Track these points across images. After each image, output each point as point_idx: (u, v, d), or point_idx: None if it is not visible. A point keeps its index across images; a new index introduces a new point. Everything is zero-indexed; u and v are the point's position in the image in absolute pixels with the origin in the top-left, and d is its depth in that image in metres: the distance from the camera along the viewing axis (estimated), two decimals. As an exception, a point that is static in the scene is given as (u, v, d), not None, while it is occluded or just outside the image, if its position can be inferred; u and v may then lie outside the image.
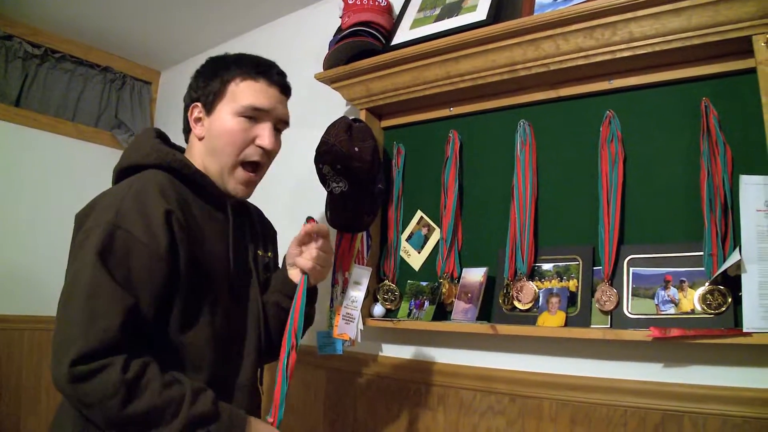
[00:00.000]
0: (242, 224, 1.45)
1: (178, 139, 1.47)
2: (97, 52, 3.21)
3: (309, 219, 1.37)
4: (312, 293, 1.41)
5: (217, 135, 1.33)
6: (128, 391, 1.04)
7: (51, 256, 2.86)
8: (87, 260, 1.09)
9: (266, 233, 1.55)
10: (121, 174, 1.31)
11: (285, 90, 1.41)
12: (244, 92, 1.34)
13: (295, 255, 1.37)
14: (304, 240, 1.37)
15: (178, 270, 1.18)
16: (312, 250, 1.35)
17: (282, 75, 1.41)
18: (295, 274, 1.38)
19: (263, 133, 1.35)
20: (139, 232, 1.14)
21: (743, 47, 1.43)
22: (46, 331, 2.80)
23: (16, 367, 2.71)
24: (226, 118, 1.32)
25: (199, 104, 1.37)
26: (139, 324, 1.11)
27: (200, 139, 1.37)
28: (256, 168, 1.38)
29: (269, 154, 1.39)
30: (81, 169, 3.07)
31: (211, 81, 1.36)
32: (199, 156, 1.37)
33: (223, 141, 1.32)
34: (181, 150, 1.43)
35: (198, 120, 1.37)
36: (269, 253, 1.53)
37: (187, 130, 1.42)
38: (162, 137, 1.40)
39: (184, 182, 1.30)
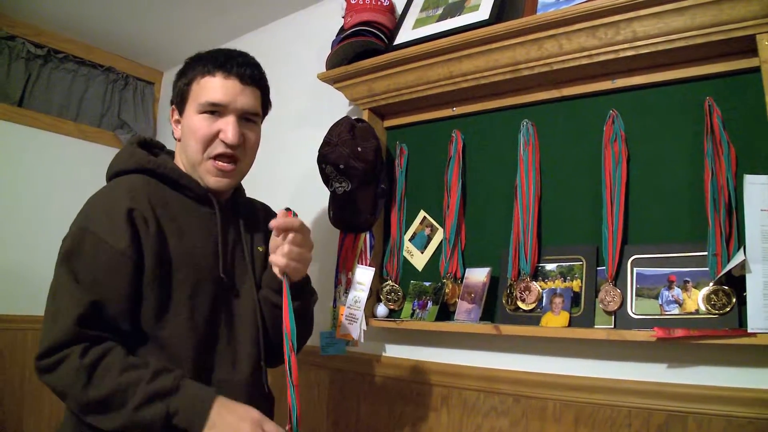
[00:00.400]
0: (236, 219, 1.46)
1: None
2: (100, 52, 3.21)
3: (285, 211, 1.30)
4: (300, 290, 1.37)
5: (186, 134, 1.37)
6: (88, 376, 1.11)
7: (53, 256, 2.87)
8: (57, 264, 1.21)
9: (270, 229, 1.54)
10: (109, 180, 1.38)
11: (246, 79, 1.36)
12: (203, 89, 1.34)
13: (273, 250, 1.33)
14: (277, 234, 1.30)
15: (143, 265, 1.22)
16: (284, 246, 1.28)
17: (243, 65, 1.36)
18: (277, 270, 1.32)
19: (225, 128, 1.33)
20: (103, 233, 1.20)
21: (747, 46, 1.42)
22: (49, 331, 2.81)
23: (18, 367, 2.71)
24: (191, 117, 1.35)
25: (175, 106, 1.42)
26: (108, 319, 1.18)
27: (178, 140, 1.42)
28: (230, 159, 1.36)
29: (237, 147, 1.35)
30: (84, 169, 3.06)
31: (179, 82, 1.40)
32: (178, 156, 1.43)
33: (191, 139, 1.35)
34: (171, 154, 1.48)
35: (177, 122, 1.42)
36: None
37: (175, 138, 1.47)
38: (144, 145, 1.43)
39: (163, 181, 1.34)
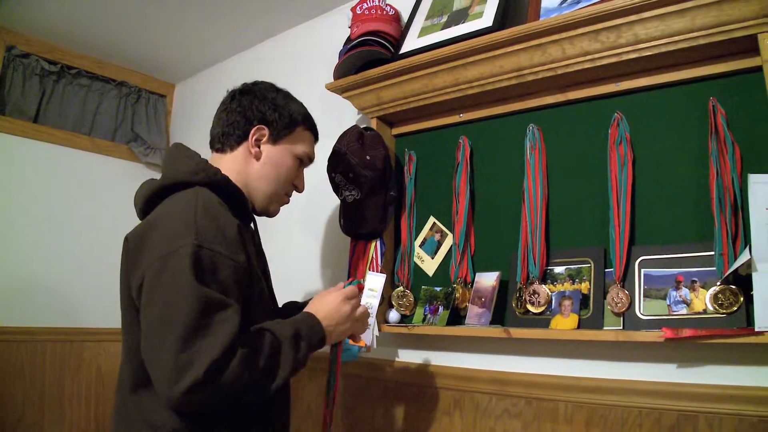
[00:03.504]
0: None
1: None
2: (112, 67, 3.27)
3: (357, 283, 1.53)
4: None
5: (276, 165, 1.47)
6: (253, 365, 1.15)
7: (71, 269, 2.94)
8: (182, 283, 1.11)
9: None
10: (165, 190, 1.33)
11: None
12: (306, 141, 1.54)
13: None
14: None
15: (251, 281, 1.28)
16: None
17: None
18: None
19: (301, 179, 1.57)
20: (221, 248, 1.19)
21: (749, 46, 1.43)
22: (68, 342, 2.87)
23: (39, 379, 2.75)
24: (287, 156, 1.49)
25: (267, 129, 1.47)
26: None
27: (256, 158, 1.46)
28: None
29: None
30: (99, 182, 3.14)
31: (284, 115, 1.48)
32: (243, 172, 1.46)
33: (280, 174, 1.49)
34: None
35: (258, 141, 1.46)
36: None
37: (232, 140, 1.47)
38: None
39: (224, 198, 1.35)
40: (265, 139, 1.47)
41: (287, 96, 1.54)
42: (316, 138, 1.60)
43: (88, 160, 3.12)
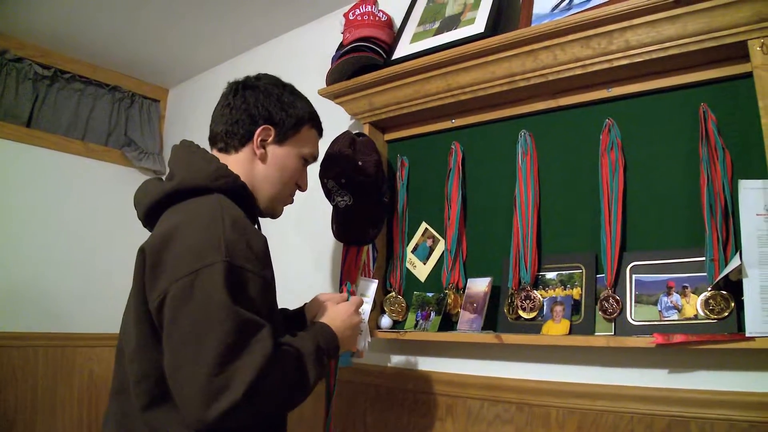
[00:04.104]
0: None
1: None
2: (106, 71, 3.26)
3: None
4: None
5: (281, 167, 1.42)
6: (287, 373, 1.15)
7: (64, 273, 2.93)
8: (216, 303, 1.08)
9: None
10: (178, 195, 1.27)
11: None
12: (312, 140, 1.49)
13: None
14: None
15: (274, 295, 1.27)
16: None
17: None
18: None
19: (304, 177, 1.51)
20: (250, 266, 1.15)
21: (739, 52, 1.43)
22: (60, 348, 2.85)
23: (31, 384, 2.74)
24: (293, 157, 1.44)
25: (273, 130, 1.40)
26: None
27: (261, 160, 1.40)
28: None
29: None
30: (92, 187, 3.13)
31: (291, 114, 1.42)
32: (248, 174, 1.38)
33: (285, 176, 1.43)
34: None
35: (263, 141, 1.40)
36: None
37: (236, 140, 1.40)
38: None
39: (235, 202, 1.30)
40: (270, 139, 1.40)
41: (293, 92, 1.47)
42: (321, 134, 1.54)
43: (81, 164, 3.11)
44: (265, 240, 1.23)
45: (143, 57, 3.14)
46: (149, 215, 1.30)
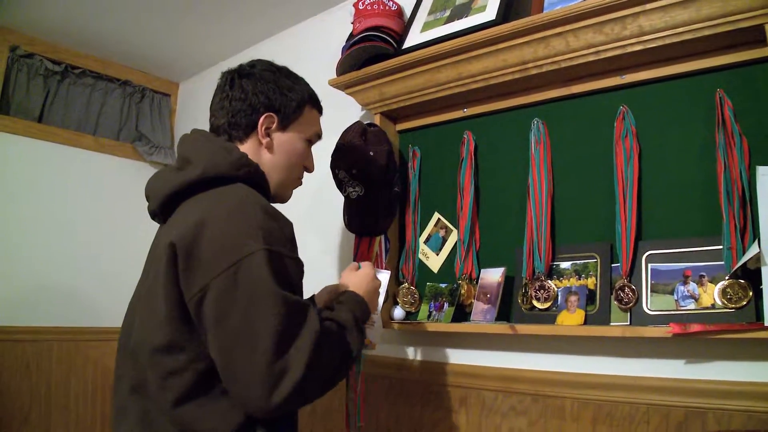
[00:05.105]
0: None
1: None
2: (116, 66, 3.26)
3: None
4: None
5: (288, 153, 1.42)
6: (340, 347, 1.22)
7: (76, 268, 2.94)
8: (265, 291, 1.09)
9: None
10: (202, 184, 1.25)
11: None
12: (314, 120, 1.49)
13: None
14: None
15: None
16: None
17: None
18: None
19: (311, 158, 1.51)
20: (286, 250, 1.17)
21: (756, 36, 1.41)
22: (74, 342, 2.87)
23: (45, 378, 2.76)
24: (296, 141, 1.44)
25: (276, 116, 1.39)
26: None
27: (267, 148, 1.39)
28: None
29: None
30: (103, 181, 3.14)
31: (291, 98, 1.41)
32: (257, 162, 1.35)
33: (292, 161, 1.43)
34: None
35: (268, 129, 1.39)
36: None
37: (240, 131, 1.38)
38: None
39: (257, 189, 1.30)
40: (274, 126, 1.39)
41: (289, 74, 1.45)
42: (321, 112, 1.52)
43: (92, 159, 3.12)
44: (292, 225, 1.24)
45: (153, 52, 3.14)
46: (165, 204, 1.28)
